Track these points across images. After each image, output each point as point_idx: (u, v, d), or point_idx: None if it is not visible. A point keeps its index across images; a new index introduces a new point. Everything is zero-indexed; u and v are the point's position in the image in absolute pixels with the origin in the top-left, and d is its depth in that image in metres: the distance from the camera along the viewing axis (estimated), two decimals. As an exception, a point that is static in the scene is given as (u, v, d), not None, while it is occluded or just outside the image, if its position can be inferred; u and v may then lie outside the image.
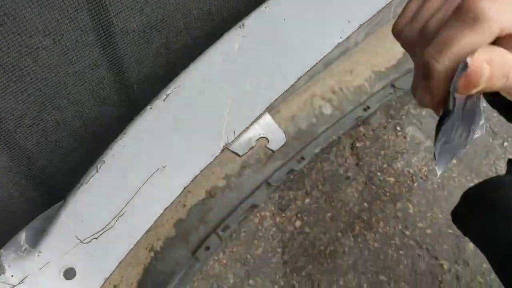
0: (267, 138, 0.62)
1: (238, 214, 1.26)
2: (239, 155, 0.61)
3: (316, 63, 0.71)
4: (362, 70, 1.48)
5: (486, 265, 1.46)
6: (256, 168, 1.31)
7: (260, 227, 1.47)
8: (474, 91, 0.34)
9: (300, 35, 0.70)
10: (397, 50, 1.53)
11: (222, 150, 0.61)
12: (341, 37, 0.73)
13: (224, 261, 1.41)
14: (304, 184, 1.53)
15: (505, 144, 1.67)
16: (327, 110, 1.40)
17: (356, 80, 1.47)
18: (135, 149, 0.61)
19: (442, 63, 0.34)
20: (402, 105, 1.70)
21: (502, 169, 1.63)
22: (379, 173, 1.58)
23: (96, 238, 0.57)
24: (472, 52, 0.33)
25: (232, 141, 0.62)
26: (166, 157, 0.61)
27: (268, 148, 0.62)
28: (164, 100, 0.64)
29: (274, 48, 0.70)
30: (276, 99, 0.65)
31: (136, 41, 0.78)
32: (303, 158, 1.37)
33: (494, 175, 1.63)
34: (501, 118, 1.70)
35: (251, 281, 1.40)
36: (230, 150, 0.61)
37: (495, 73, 0.34)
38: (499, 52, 0.34)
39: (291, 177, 1.51)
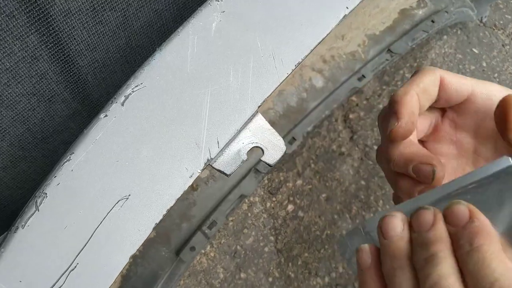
0: (261, 148, 0.47)
1: (225, 208, 1.12)
2: (226, 174, 0.46)
3: (318, 43, 0.55)
4: (355, 35, 1.31)
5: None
6: (243, 154, 1.16)
7: (249, 214, 1.33)
8: None
9: (296, 8, 0.55)
10: (392, 9, 1.37)
11: (204, 169, 0.46)
12: (347, 7, 0.57)
13: (212, 254, 1.28)
14: (295, 164, 1.40)
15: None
16: (318, 82, 1.25)
17: (349, 47, 1.31)
18: (88, 174, 0.46)
19: (401, 90, 0.39)
20: (396, 69, 1.55)
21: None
22: (375, 147, 1.45)
23: (40, 304, 0.42)
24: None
25: (216, 155, 0.47)
26: (129, 184, 0.46)
27: (264, 162, 0.47)
28: (122, 104, 0.48)
29: (263, 26, 0.55)
30: (270, 95, 0.50)
31: (85, 23, 0.61)
32: (294, 139, 1.22)
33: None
34: (503, 79, 1.57)
35: (242, 274, 1.28)
36: (215, 168, 0.46)
37: None
38: None
39: (281, 157, 1.37)
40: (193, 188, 1.18)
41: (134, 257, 1.10)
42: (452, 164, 0.42)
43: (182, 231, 1.15)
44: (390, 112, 0.38)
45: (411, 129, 0.37)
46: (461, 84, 0.39)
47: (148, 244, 1.12)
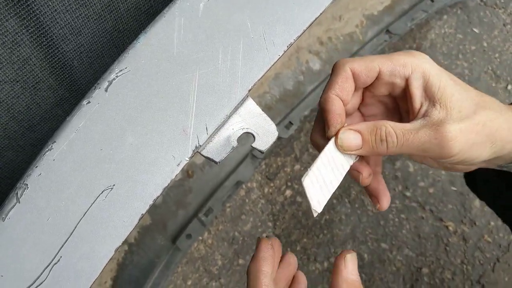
0: (252, 134, 0.45)
1: (221, 194, 1.10)
2: (215, 162, 0.44)
3: (311, 23, 0.53)
4: (353, 15, 1.28)
5: (494, 222, 1.35)
6: (238, 138, 1.14)
7: (247, 200, 1.32)
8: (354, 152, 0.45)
9: (287, -14, 0.52)
10: (390, -11, 1.34)
11: (192, 156, 0.44)
12: (341, -16, 0.55)
13: (210, 241, 1.27)
14: (293, 149, 1.38)
15: (509, 87, 1.52)
16: (315, 65, 1.22)
17: (346, 28, 1.27)
18: (70, 164, 0.44)
19: (322, 97, 0.47)
20: (395, 51, 1.52)
21: (506, 115, 1.49)
22: (374, 130, 1.42)
23: (23, 300, 0.41)
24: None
25: (205, 143, 0.45)
26: (114, 173, 0.44)
27: (256, 148, 0.45)
28: (106, 90, 0.46)
29: (253, 5, 0.52)
30: (261, 78, 0.48)
31: (67, 6, 0.58)
32: (291, 123, 1.21)
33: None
34: (504, 59, 1.55)
35: (240, 261, 1.27)
36: (204, 156, 0.44)
37: (367, 141, 0.44)
38: (370, 125, 0.44)
39: (278, 142, 1.35)
40: (188, 175, 1.16)
41: (129, 246, 1.09)
42: (383, 117, 0.52)
43: (178, 218, 1.14)
44: (323, 118, 0.47)
45: (341, 126, 0.45)
46: (369, 69, 0.45)
47: (143, 232, 1.11)
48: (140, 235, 1.06)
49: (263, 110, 0.50)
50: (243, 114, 0.48)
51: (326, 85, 0.47)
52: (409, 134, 0.42)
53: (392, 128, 0.42)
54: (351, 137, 0.44)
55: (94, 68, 0.69)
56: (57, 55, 0.62)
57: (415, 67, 0.44)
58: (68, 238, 0.42)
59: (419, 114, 0.44)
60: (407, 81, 0.45)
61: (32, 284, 0.41)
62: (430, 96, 0.44)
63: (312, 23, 0.53)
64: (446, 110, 0.42)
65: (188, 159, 0.47)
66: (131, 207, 0.44)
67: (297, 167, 1.36)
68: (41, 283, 0.41)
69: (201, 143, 0.46)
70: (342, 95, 0.46)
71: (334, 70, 0.47)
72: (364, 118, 0.52)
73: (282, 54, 0.51)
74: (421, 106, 0.44)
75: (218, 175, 1.13)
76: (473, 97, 0.45)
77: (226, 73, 0.49)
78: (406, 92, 0.46)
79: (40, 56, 0.60)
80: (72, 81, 0.67)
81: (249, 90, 0.49)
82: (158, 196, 0.45)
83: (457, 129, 0.42)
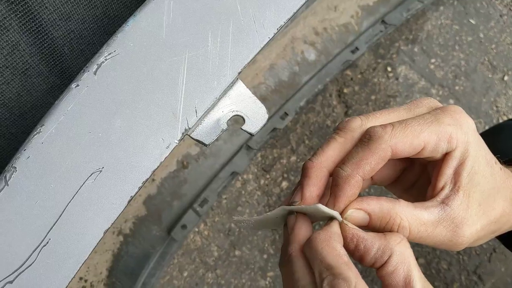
0: (242, 117, 0.45)
1: (216, 185, 1.10)
2: (205, 144, 0.44)
3: (301, 6, 0.53)
4: (348, 6, 1.27)
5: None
6: (233, 129, 1.15)
7: (243, 192, 1.32)
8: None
9: (277, -32, 0.52)
10: (386, -21, 1.34)
11: (181, 139, 0.44)
12: (332, -33, 0.55)
13: (206, 232, 1.27)
14: (289, 140, 1.37)
15: (506, 78, 1.52)
16: (311, 55, 1.21)
17: (342, 18, 1.27)
18: (59, 147, 0.44)
19: (345, 171, 0.39)
20: (391, 42, 1.52)
21: (503, 106, 1.49)
22: (370, 121, 1.42)
23: (11, 282, 0.41)
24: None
25: (194, 125, 0.45)
26: (103, 156, 0.44)
27: (245, 130, 0.45)
28: (95, 73, 0.46)
29: (243, -13, 0.52)
30: (251, 60, 0.48)
31: (57, -10, 0.58)
32: (286, 114, 1.20)
33: (495, 113, 1.49)
34: (500, 50, 1.54)
35: (237, 252, 1.26)
36: (193, 139, 0.44)
37: (373, 225, 0.39)
38: (384, 210, 0.38)
39: (274, 133, 1.34)
40: (183, 166, 1.16)
41: (125, 236, 1.09)
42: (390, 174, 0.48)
43: (173, 209, 1.13)
44: (331, 189, 0.40)
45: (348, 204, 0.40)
46: (413, 148, 0.39)
47: (138, 222, 1.11)
48: (135, 226, 1.06)
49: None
50: (233, 96, 0.48)
51: (352, 152, 0.40)
52: (424, 232, 0.38)
53: (408, 221, 0.38)
54: (360, 216, 0.39)
55: (85, 56, 0.69)
56: (46, 41, 0.62)
57: (459, 144, 0.40)
58: (57, 221, 0.42)
59: (440, 195, 0.40)
60: (444, 155, 0.40)
61: (20, 266, 0.41)
62: (456, 179, 0.40)
63: (302, 6, 0.53)
64: (467, 202, 0.40)
65: (177, 142, 0.46)
66: (120, 189, 0.44)
67: (293, 158, 1.36)
68: (30, 265, 0.41)
69: (190, 126, 0.46)
70: (367, 176, 0.39)
71: (371, 144, 0.39)
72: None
73: (272, 37, 0.51)
74: (444, 187, 0.40)
75: (213, 166, 1.13)
76: (498, 183, 0.42)
77: (215, 55, 0.49)
78: (434, 164, 0.42)
79: (29, 41, 0.60)
80: (63, 68, 0.67)
81: (239, 73, 0.49)
82: (147, 179, 0.45)
83: (473, 232, 0.40)
